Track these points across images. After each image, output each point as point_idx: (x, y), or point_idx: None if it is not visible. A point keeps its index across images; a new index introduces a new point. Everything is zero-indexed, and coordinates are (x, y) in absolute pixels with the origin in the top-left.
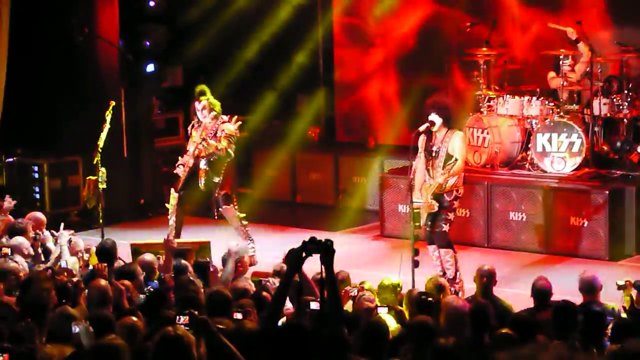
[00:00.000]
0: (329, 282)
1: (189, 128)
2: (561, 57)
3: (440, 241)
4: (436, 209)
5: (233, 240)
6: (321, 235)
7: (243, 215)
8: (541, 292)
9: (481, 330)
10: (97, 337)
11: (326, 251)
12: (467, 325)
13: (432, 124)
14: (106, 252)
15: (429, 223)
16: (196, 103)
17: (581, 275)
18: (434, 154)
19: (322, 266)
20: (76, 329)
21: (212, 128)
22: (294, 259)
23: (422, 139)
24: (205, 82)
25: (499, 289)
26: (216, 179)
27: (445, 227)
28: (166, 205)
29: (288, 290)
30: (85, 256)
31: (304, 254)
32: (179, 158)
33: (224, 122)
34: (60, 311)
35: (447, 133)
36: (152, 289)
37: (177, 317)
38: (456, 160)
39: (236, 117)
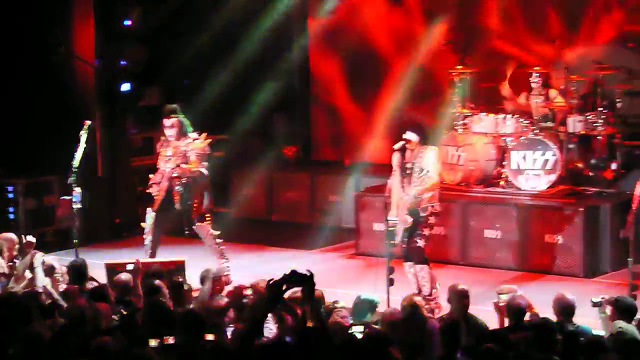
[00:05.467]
0: (313, 310)
1: (157, 145)
2: (533, 75)
3: (416, 257)
4: (410, 223)
5: (211, 260)
6: (297, 254)
7: (217, 233)
8: (517, 311)
9: (452, 348)
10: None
11: (308, 283)
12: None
13: (408, 142)
14: (77, 271)
15: (405, 240)
16: (165, 120)
17: (556, 297)
18: (408, 170)
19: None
20: None
21: (182, 150)
22: (276, 290)
23: (396, 157)
24: (183, 101)
25: (475, 306)
26: (190, 201)
27: (421, 243)
28: (142, 224)
29: (266, 318)
30: (59, 277)
31: (284, 287)
32: (150, 177)
33: (194, 140)
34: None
35: (421, 149)
36: (122, 311)
37: (149, 339)
38: (427, 172)
39: (205, 134)
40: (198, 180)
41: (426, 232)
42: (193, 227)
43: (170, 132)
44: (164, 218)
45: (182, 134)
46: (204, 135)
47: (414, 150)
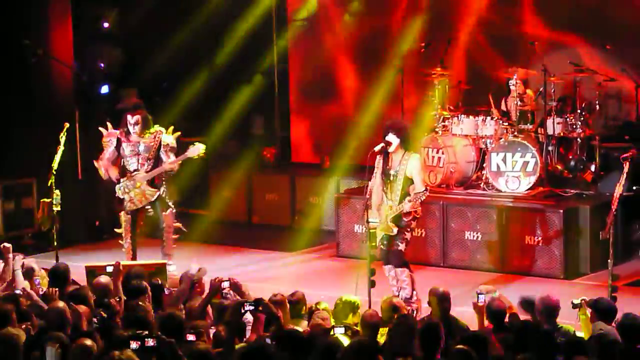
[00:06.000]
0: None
1: (106, 140)
2: (513, 78)
3: (396, 260)
4: (395, 232)
5: (194, 262)
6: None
7: (178, 225)
8: (497, 313)
9: (432, 349)
10: None
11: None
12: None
13: (389, 144)
14: (59, 276)
15: (385, 242)
16: (129, 116)
17: (541, 297)
18: (391, 177)
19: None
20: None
21: (151, 147)
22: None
23: (378, 160)
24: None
25: (456, 308)
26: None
27: (402, 246)
28: (116, 230)
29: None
30: (38, 280)
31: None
32: (118, 180)
33: (160, 134)
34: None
35: (404, 155)
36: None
37: (130, 341)
38: (419, 186)
39: (172, 127)
40: (168, 174)
41: (407, 235)
42: (163, 214)
43: (134, 129)
44: (138, 218)
45: (145, 129)
46: (171, 128)
47: (395, 154)
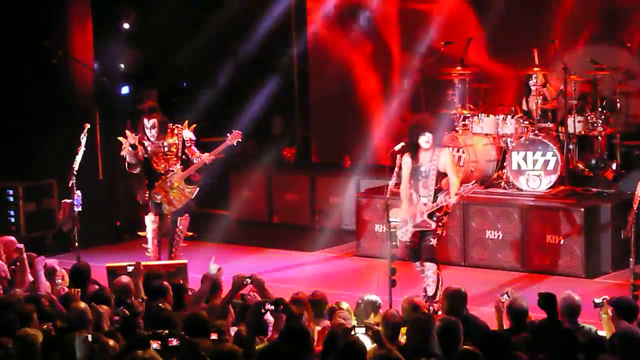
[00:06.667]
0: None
1: (139, 144)
2: (533, 76)
3: (427, 254)
4: (433, 227)
5: (213, 262)
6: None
7: (191, 234)
8: (518, 313)
9: (450, 349)
10: None
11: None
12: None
13: (425, 143)
14: (79, 275)
15: (415, 239)
16: (145, 120)
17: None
18: (423, 174)
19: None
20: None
21: (175, 144)
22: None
23: (407, 160)
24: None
25: (476, 308)
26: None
27: (434, 242)
28: (140, 233)
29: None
30: (59, 281)
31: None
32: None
33: (181, 130)
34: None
35: (435, 151)
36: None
37: (151, 341)
38: (453, 179)
39: (186, 121)
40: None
41: (439, 231)
42: (179, 217)
43: (151, 133)
44: (165, 219)
45: (162, 133)
46: (186, 122)
47: (425, 152)
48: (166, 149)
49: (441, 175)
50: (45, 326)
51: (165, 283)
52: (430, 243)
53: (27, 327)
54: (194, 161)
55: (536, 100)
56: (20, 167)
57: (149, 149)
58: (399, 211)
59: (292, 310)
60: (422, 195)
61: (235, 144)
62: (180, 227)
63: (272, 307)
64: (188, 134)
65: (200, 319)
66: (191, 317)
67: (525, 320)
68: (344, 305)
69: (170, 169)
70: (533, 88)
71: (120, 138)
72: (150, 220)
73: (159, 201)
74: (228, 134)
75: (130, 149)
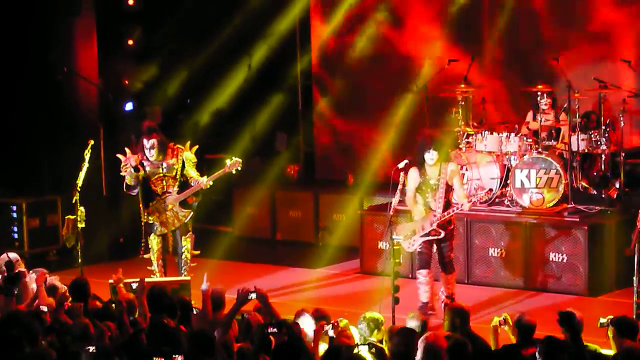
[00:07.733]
0: None
1: (131, 163)
2: (538, 94)
3: (452, 268)
4: (442, 235)
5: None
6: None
7: (197, 252)
8: (526, 328)
9: None
10: None
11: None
12: None
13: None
14: (79, 290)
15: (427, 246)
16: (144, 140)
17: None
18: (433, 187)
19: None
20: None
21: (174, 166)
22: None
23: (413, 175)
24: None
25: (479, 325)
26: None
27: (452, 255)
28: (145, 256)
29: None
30: (62, 296)
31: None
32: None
33: (182, 152)
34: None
35: (442, 165)
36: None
37: (154, 357)
38: (460, 192)
39: (189, 142)
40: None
41: (453, 243)
42: (183, 236)
43: (150, 153)
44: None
45: (160, 154)
46: (188, 143)
47: (434, 167)
48: (165, 169)
49: (450, 189)
50: (48, 339)
51: (170, 299)
52: (451, 257)
53: (36, 343)
54: (192, 184)
55: (541, 119)
56: (24, 183)
57: (147, 169)
58: (405, 225)
59: (296, 331)
60: (432, 208)
61: (234, 172)
62: (187, 247)
63: (275, 329)
64: (189, 155)
65: (205, 336)
66: (196, 334)
67: (532, 336)
68: (343, 323)
69: (168, 190)
70: (544, 108)
71: (119, 155)
72: (154, 242)
73: (151, 222)
74: (228, 161)
75: (133, 170)
